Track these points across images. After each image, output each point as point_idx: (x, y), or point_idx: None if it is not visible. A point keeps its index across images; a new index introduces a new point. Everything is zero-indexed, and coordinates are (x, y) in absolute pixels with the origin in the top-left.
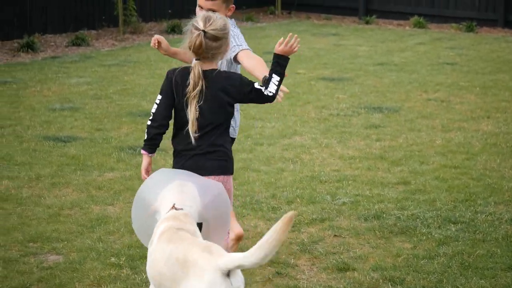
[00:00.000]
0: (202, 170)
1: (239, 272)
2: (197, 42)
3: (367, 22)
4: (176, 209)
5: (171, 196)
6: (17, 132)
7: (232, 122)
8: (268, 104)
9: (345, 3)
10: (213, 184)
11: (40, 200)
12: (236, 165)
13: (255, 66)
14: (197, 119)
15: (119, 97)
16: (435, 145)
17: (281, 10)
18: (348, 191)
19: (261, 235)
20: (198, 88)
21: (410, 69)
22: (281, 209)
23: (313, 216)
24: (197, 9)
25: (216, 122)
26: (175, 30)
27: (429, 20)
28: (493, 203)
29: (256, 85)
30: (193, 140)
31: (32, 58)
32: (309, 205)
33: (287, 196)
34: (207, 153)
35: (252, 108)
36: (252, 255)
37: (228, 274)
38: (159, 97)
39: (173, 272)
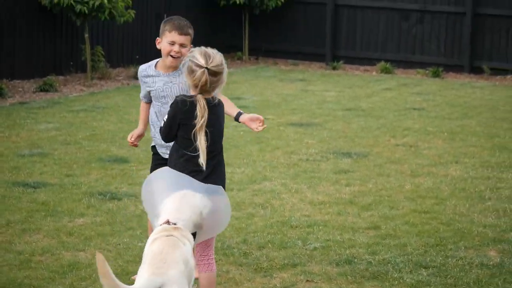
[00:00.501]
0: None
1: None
2: (203, 79)
3: (334, 68)
4: (169, 223)
5: (169, 208)
6: None
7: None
8: (238, 149)
9: (312, 49)
10: (219, 190)
11: (10, 247)
12: None
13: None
14: (207, 147)
15: (88, 142)
16: (404, 190)
17: (248, 56)
18: (319, 236)
19: (233, 280)
20: (204, 118)
21: (377, 114)
22: (253, 254)
23: (285, 261)
24: (166, 45)
25: (219, 148)
26: None
27: (395, 66)
28: (463, 247)
29: None
30: (203, 166)
31: (0, 104)
32: (281, 250)
33: (258, 241)
34: (213, 174)
35: None
36: None
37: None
38: (166, 117)
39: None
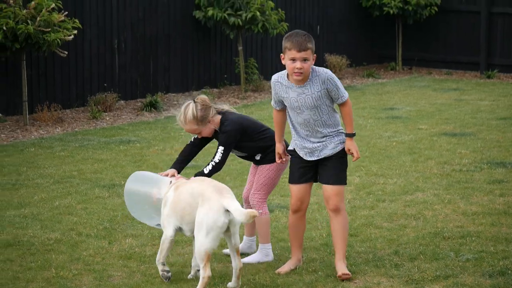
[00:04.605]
0: None
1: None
2: None
3: (488, 77)
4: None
5: (163, 181)
6: None
7: None
8: (390, 160)
9: (466, 58)
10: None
11: None
12: (358, 222)
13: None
14: None
15: None
16: None
17: (402, 66)
18: (472, 247)
19: None
20: None
21: None
22: (404, 265)
23: (437, 273)
24: (289, 62)
25: None
26: None
27: None
28: None
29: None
30: None
31: (155, 117)
32: (433, 262)
33: (410, 252)
34: None
35: (374, 164)
36: (241, 214)
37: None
38: None
39: (195, 201)
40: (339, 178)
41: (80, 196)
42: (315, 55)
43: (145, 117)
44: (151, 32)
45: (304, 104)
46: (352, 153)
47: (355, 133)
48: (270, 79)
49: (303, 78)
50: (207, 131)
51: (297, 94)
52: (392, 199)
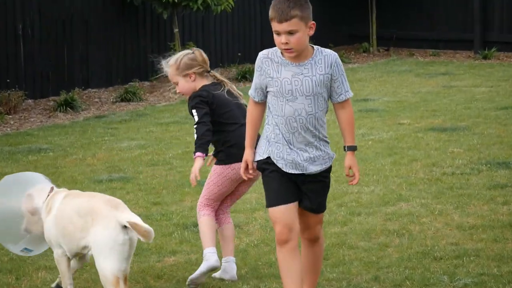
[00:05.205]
0: None
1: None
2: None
3: (485, 57)
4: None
5: (41, 188)
6: None
7: None
8: (366, 163)
9: (457, 34)
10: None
11: None
12: (328, 241)
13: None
14: None
15: (180, 162)
16: None
17: (377, 47)
18: (470, 270)
19: None
20: None
21: None
22: None
23: None
24: (275, 36)
25: None
26: (246, 77)
27: None
28: None
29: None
30: None
31: (72, 119)
32: None
33: (393, 278)
34: None
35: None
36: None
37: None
38: None
39: (81, 221)
40: (323, 204)
41: None
42: (312, 22)
43: (60, 119)
44: (65, 14)
45: (299, 88)
46: (354, 173)
47: (356, 146)
48: (214, 67)
49: (299, 55)
50: (183, 85)
51: (292, 74)
52: (370, 211)
